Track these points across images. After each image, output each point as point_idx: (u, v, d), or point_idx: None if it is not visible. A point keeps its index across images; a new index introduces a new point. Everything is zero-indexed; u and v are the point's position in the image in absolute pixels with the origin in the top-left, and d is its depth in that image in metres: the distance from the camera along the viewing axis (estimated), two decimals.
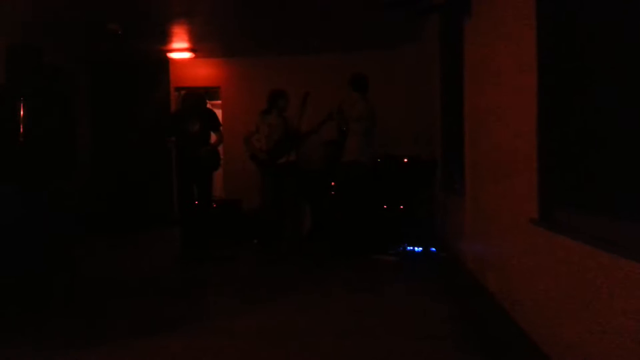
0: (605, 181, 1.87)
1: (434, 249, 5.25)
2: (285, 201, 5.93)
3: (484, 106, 3.39)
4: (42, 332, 3.19)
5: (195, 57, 7.86)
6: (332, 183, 6.17)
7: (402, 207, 5.60)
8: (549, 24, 2.21)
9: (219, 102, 8.38)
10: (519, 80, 2.52)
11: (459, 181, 4.37)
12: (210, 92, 8.25)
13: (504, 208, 2.90)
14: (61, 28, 6.32)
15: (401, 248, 5.31)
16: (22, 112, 4.24)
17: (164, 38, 6.99)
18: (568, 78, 2.15)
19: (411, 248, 5.31)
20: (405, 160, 5.77)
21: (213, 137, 5.65)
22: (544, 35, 2.23)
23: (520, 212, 2.49)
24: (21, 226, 3.65)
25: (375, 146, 5.67)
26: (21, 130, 4.28)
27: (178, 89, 8.18)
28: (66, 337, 3.08)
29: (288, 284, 4.37)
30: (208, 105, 6.17)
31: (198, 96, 5.75)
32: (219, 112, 8.10)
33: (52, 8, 5.53)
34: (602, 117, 1.92)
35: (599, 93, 1.93)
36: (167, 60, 8.04)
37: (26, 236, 3.67)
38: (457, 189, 4.43)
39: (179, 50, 7.61)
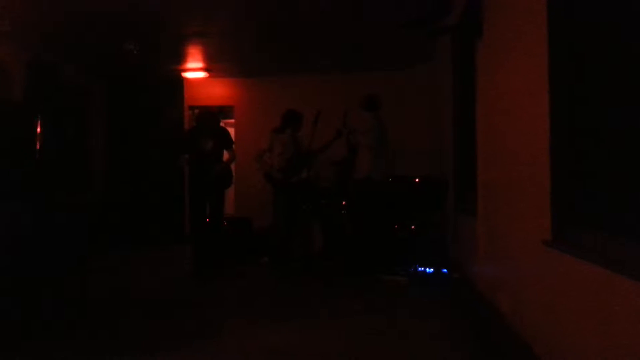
0: (620, 201, 1.85)
1: (445, 270, 5.18)
2: (298, 219, 5.93)
3: (496, 126, 3.38)
4: (45, 347, 3.20)
5: (209, 77, 7.97)
6: (343, 202, 6.16)
7: (413, 227, 5.56)
8: (562, 43, 2.21)
9: (233, 120, 8.47)
10: (531, 100, 2.51)
11: (471, 202, 4.34)
12: (224, 111, 8.33)
13: (516, 229, 2.87)
14: (79, 47, 6.47)
15: (412, 269, 5.25)
16: (39, 129, 4.33)
17: (179, 58, 7.10)
18: (581, 96, 2.14)
19: (422, 269, 5.25)
20: (417, 180, 5.75)
21: (225, 155, 5.70)
22: (557, 54, 2.23)
23: (532, 233, 2.46)
24: (37, 239, 3.70)
25: (387, 165, 5.66)
26: (37, 146, 4.37)
27: (192, 107, 8.29)
28: (72, 352, 3.08)
29: (297, 303, 4.34)
30: (221, 124, 6.24)
31: (212, 114, 5.83)
32: (232, 131, 8.18)
33: (70, 28, 5.66)
34: (617, 136, 1.90)
35: (614, 111, 1.92)
36: (182, 80, 8.16)
37: (41, 248, 3.72)
38: (469, 209, 4.39)
39: (194, 70, 7.73)
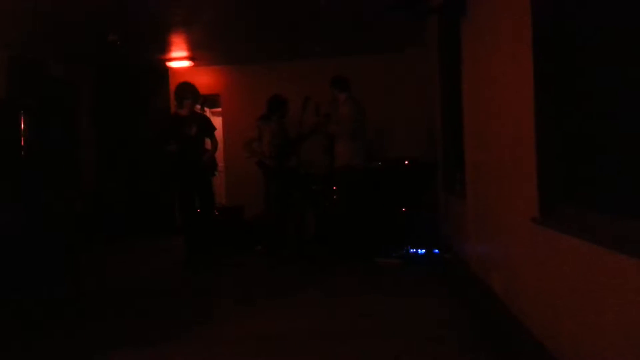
0: (607, 178, 1.87)
1: (437, 250, 5.23)
2: (290, 206, 5.93)
3: (483, 106, 3.39)
4: (39, 340, 3.19)
5: (194, 66, 7.89)
6: (334, 187, 6.16)
7: (404, 209, 5.59)
8: (545, 23, 2.21)
9: (220, 109, 8.41)
10: (516, 80, 2.51)
11: (460, 182, 4.36)
12: (210, 100, 8.24)
13: (505, 207, 2.90)
14: (62, 40, 6.37)
15: (404, 251, 5.30)
16: (22, 125, 4.27)
17: (163, 47, 7.01)
18: (566, 76, 2.15)
19: (414, 250, 5.29)
20: (406, 162, 5.77)
21: (208, 143, 5.62)
22: (540, 34, 2.23)
23: (521, 211, 2.49)
24: (25, 237, 3.68)
25: (369, 148, 5.65)
26: (22, 142, 4.32)
27: None
28: (66, 346, 3.08)
29: (291, 289, 4.36)
30: (208, 113, 6.13)
31: (190, 84, 5.64)
32: (219, 120, 8.12)
33: (53, 20, 5.56)
34: (601, 114, 1.91)
35: (599, 90, 1.93)
36: (167, 70, 8.07)
37: (30, 247, 3.70)
38: (458, 190, 4.42)
39: (178, 59, 7.64)
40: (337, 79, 5.59)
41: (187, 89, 5.50)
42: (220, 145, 6.23)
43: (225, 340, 3.10)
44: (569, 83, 2.13)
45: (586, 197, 2.00)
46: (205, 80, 8.17)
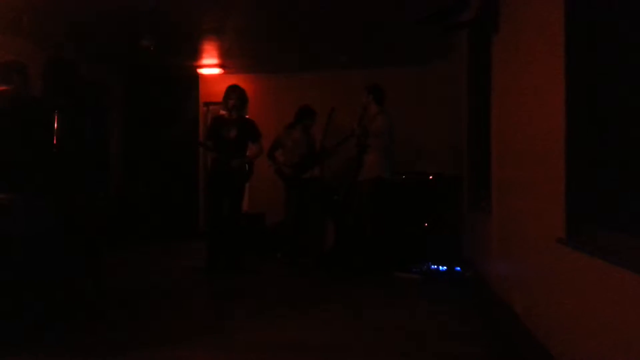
0: (636, 200, 1.81)
1: (458, 268, 5.15)
2: (309, 216, 5.92)
3: (511, 122, 3.34)
4: (55, 342, 3.20)
5: (224, 73, 8.01)
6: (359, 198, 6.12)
7: (426, 224, 5.53)
8: (577, 37, 2.17)
9: (247, 116, 8.49)
10: (546, 96, 2.47)
11: (485, 199, 4.29)
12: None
13: (530, 226, 2.83)
14: (98, 45, 6.56)
15: (425, 266, 5.23)
16: (56, 124, 4.38)
17: (194, 54, 7.15)
18: (598, 92, 2.10)
19: (435, 267, 5.22)
20: (430, 177, 5.71)
21: (252, 148, 5.51)
22: (572, 49, 2.19)
23: (546, 231, 2.43)
24: (53, 235, 3.75)
25: (394, 162, 5.60)
26: (55, 141, 4.42)
27: (207, 104, 8.35)
28: (82, 348, 3.09)
29: (309, 299, 4.34)
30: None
31: (235, 86, 5.64)
32: None
33: (88, 25, 5.74)
34: (633, 131, 1.86)
35: (631, 107, 1.88)
36: (197, 76, 8.21)
37: (57, 245, 3.76)
38: (483, 206, 4.35)
39: (209, 66, 7.77)
40: (377, 89, 5.49)
41: (232, 91, 5.47)
42: None
43: (237, 347, 3.09)
44: (602, 101, 2.08)
45: (613, 219, 1.94)
46: None
